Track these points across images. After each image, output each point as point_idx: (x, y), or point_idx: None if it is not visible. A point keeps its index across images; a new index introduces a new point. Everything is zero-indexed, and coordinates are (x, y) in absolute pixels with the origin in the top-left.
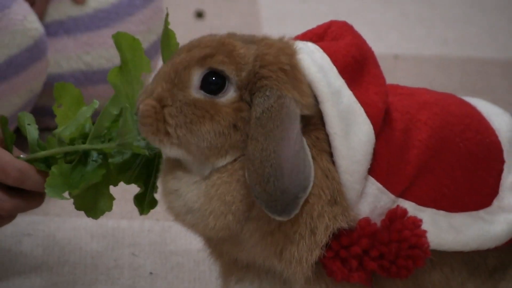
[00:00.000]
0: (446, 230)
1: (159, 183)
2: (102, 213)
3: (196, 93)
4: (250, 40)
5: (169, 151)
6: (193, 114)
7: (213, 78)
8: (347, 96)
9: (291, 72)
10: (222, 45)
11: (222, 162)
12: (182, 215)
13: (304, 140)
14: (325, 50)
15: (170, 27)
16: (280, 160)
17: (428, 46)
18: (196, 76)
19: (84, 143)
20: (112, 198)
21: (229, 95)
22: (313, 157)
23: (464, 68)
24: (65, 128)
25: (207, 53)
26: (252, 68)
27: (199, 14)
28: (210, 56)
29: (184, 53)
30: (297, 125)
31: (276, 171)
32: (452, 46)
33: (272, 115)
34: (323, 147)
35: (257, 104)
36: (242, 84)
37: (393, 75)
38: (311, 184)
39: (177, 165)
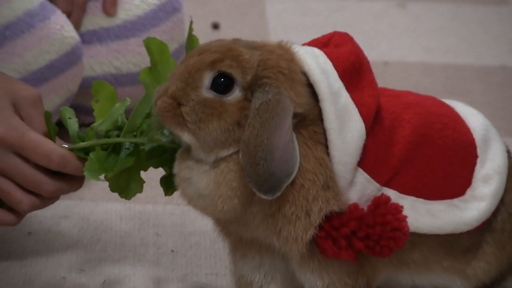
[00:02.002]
0: (424, 215)
1: (174, 171)
2: (134, 194)
3: (206, 93)
4: (253, 46)
5: (187, 139)
6: (203, 113)
7: (222, 80)
8: (345, 97)
9: (289, 75)
10: (230, 51)
11: (225, 153)
12: (194, 200)
13: (294, 134)
14: (328, 55)
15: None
16: (271, 146)
17: (413, 54)
18: (207, 78)
19: (118, 135)
20: (142, 181)
21: (235, 94)
22: (308, 147)
23: (445, 73)
24: (102, 123)
25: (217, 58)
26: (256, 72)
27: (215, 26)
28: (219, 60)
29: (196, 56)
30: (289, 120)
31: (267, 156)
32: (434, 54)
33: (269, 108)
34: (319, 139)
35: (257, 97)
36: (247, 85)
37: (383, 80)
38: (295, 172)
39: (188, 155)
